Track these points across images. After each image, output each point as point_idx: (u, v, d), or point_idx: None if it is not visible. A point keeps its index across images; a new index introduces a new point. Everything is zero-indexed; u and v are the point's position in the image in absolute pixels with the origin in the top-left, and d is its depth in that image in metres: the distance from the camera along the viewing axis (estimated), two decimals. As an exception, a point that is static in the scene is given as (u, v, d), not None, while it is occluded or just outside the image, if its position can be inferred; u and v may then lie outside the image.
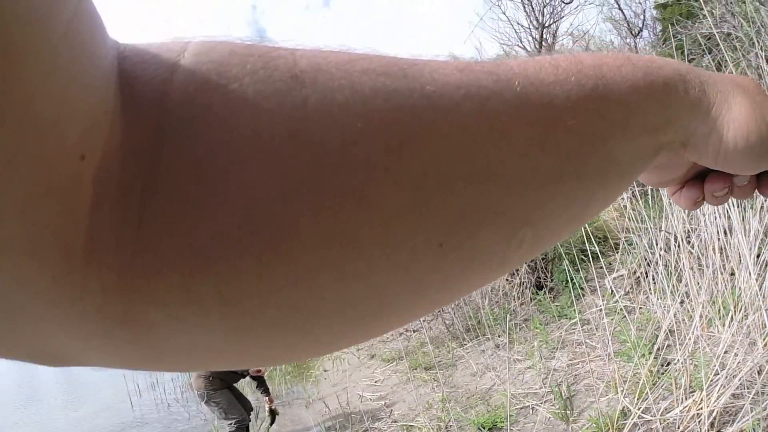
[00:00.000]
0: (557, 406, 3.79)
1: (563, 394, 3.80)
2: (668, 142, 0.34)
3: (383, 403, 6.11)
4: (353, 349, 10.12)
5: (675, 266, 3.85)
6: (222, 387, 5.04)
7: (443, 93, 0.24)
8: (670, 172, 0.42)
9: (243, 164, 0.20)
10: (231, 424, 5.15)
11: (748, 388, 2.60)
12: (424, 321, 7.75)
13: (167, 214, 0.19)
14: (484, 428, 4.09)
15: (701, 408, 2.63)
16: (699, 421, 2.60)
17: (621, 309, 4.54)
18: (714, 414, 2.58)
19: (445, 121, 0.24)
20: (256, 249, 0.20)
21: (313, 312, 0.23)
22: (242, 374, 5.37)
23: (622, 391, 3.38)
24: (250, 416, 5.51)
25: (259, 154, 0.20)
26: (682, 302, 3.69)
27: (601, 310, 5.01)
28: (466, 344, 6.69)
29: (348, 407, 6.21)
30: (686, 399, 2.87)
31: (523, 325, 6.16)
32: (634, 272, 5.09)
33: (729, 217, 3.33)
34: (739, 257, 3.19)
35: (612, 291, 5.16)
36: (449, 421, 4.57)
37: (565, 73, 0.29)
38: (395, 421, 5.28)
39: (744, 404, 2.48)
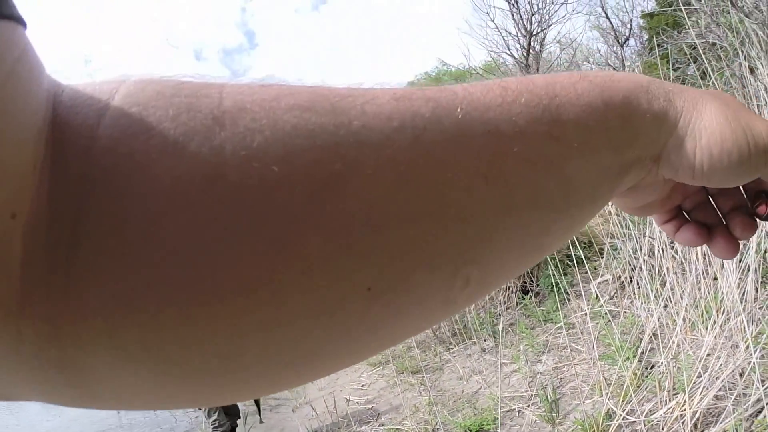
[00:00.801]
0: (543, 409, 3.82)
1: (549, 396, 3.83)
2: (636, 159, 0.32)
3: (370, 407, 6.11)
4: None
5: (659, 271, 3.90)
6: None
7: (373, 126, 0.23)
8: (647, 194, 0.38)
9: (162, 215, 0.19)
10: (212, 428, 5.26)
11: (730, 390, 2.65)
12: None
13: (91, 266, 0.19)
14: (471, 431, 4.10)
15: (684, 409, 2.67)
16: (683, 423, 2.64)
17: (606, 313, 4.59)
18: (697, 415, 2.63)
19: (373, 159, 0.22)
20: (176, 299, 0.20)
21: (237, 358, 0.22)
22: None
23: (607, 393, 3.42)
24: (236, 422, 5.50)
25: (178, 204, 0.20)
26: (665, 306, 3.73)
27: (586, 314, 5.06)
28: (452, 348, 6.73)
29: (335, 411, 6.15)
30: (670, 401, 2.92)
31: (509, 329, 6.20)
32: (619, 277, 5.15)
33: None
34: (722, 262, 3.24)
35: (597, 296, 5.22)
36: (436, 424, 4.59)
37: (513, 95, 0.27)
38: (382, 425, 5.29)
39: (726, 405, 2.53)
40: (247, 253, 0.20)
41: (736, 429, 2.32)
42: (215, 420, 5.24)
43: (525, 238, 0.28)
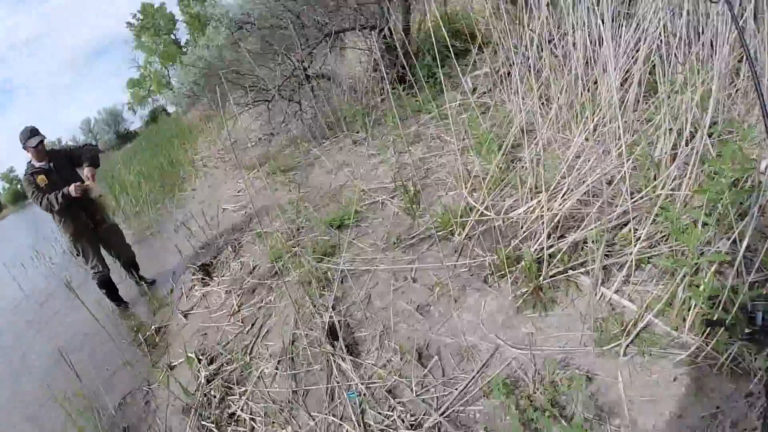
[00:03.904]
0: (405, 201, 3.76)
1: (411, 188, 3.75)
2: None
3: (244, 212, 6.09)
4: (219, 163, 10.04)
5: (538, 68, 3.68)
6: (76, 236, 4.93)
7: None
8: None
9: None
10: (89, 271, 5.14)
11: (595, 197, 2.63)
12: (284, 124, 7.57)
13: None
14: (332, 227, 4.04)
15: (544, 210, 2.66)
16: (542, 223, 2.63)
17: (479, 105, 4.45)
18: (558, 218, 2.60)
19: None
20: None
21: None
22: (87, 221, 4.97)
23: (469, 186, 3.35)
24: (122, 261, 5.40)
25: None
26: (540, 104, 3.58)
27: (459, 104, 4.92)
28: (324, 143, 6.58)
29: (214, 221, 6.17)
30: (531, 199, 2.89)
31: (383, 120, 6.01)
32: (497, 71, 4.96)
33: (602, 27, 3.15)
34: (604, 67, 3.06)
35: (473, 88, 5.05)
36: (301, 222, 4.51)
37: None
38: (252, 230, 5.23)
39: (590, 212, 2.52)
40: None
41: (598, 239, 2.31)
42: (95, 265, 5.04)
43: None
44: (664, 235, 2.32)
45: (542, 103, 3.65)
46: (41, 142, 4.59)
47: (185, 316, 4.32)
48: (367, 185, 4.51)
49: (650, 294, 2.18)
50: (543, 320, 2.36)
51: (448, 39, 3.22)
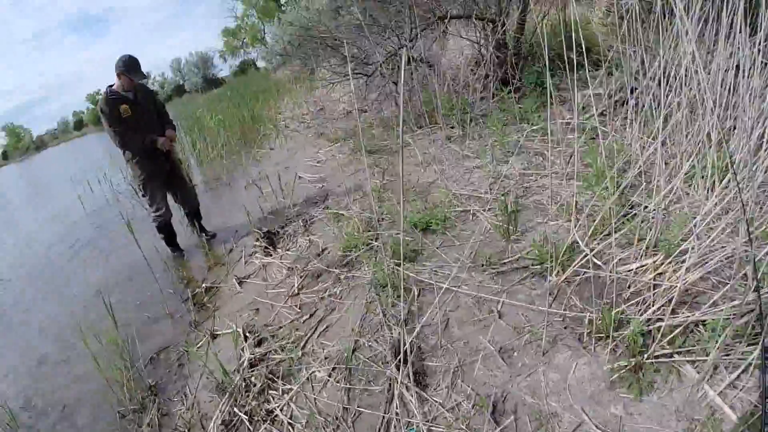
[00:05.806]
0: (500, 219, 3.47)
1: (509, 206, 3.38)
2: None
3: (321, 186, 5.81)
4: (302, 127, 9.67)
5: (666, 103, 3.23)
6: (148, 178, 4.85)
7: None
8: None
9: None
10: (151, 214, 5.04)
11: (720, 277, 2.23)
12: (375, 102, 7.22)
13: None
14: (416, 228, 3.73)
15: (662, 276, 2.34)
16: (654, 292, 2.30)
17: (591, 129, 4.11)
18: (675, 291, 2.20)
19: None
20: None
21: None
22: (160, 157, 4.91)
23: (577, 222, 2.97)
24: (187, 209, 5.34)
25: None
26: (663, 143, 3.18)
27: (568, 123, 4.59)
28: (416, 131, 6.21)
29: (282, 190, 5.92)
30: (646, 257, 2.61)
31: (480, 120, 5.66)
32: (613, 95, 4.62)
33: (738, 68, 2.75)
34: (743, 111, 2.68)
35: (583, 107, 4.72)
36: (383, 213, 4.22)
37: None
38: (327, 208, 4.97)
39: (711, 292, 2.13)
40: None
41: (720, 330, 1.92)
42: (152, 208, 4.99)
43: None
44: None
45: (666, 144, 3.29)
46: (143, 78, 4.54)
47: (240, 283, 4.15)
48: (458, 189, 4.25)
49: (752, 405, 1.81)
50: (636, 405, 2.02)
51: (564, 48, 2.95)
